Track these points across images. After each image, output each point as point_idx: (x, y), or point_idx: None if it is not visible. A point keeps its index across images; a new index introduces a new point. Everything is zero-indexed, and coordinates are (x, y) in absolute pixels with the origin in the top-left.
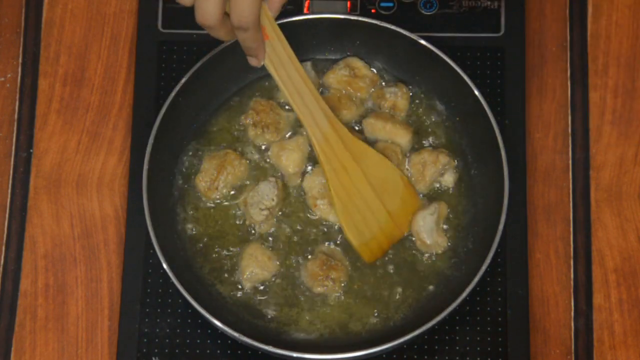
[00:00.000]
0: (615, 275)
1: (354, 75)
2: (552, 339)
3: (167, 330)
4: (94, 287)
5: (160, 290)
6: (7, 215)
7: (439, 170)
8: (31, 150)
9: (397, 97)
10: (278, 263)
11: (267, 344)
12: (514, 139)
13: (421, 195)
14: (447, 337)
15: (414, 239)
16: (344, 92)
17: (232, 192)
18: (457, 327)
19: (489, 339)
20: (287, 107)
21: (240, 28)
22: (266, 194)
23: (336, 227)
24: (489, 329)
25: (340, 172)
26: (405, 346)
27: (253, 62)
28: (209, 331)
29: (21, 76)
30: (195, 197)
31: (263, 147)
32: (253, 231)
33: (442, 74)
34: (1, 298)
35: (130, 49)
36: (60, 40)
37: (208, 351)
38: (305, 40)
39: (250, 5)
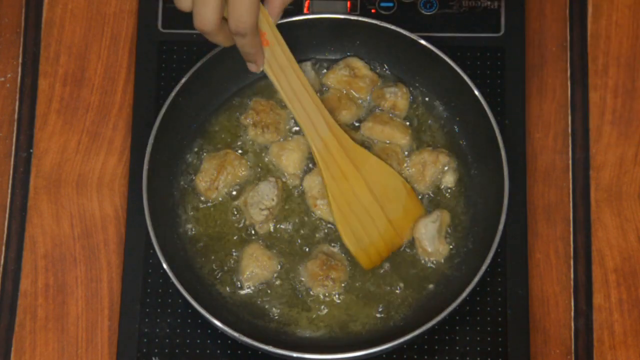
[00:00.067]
0: (615, 275)
1: (354, 75)
2: (552, 339)
3: (167, 330)
4: (94, 287)
5: (160, 290)
6: (7, 215)
7: (439, 170)
8: (31, 150)
9: (397, 97)
10: (278, 263)
11: (267, 344)
12: (514, 139)
13: (421, 196)
14: (447, 337)
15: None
16: (344, 92)
17: (232, 192)
18: (457, 327)
19: (489, 339)
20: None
21: (238, 34)
22: (266, 194)
23: (336, 227)
24: (489, 329)
25: (339, 178)
26: (405, 346)
27: (252, 67)
28: (209, 331)
29: (21, 76)
30: (195, 197)
31: (263, 147)
32: (253, 231)
33: (442, 74)
34: (1, 298)
35: (130, 49)
36: (60, 40)
37: (208, 351)
38: (305, 40)
39: (248, 11)
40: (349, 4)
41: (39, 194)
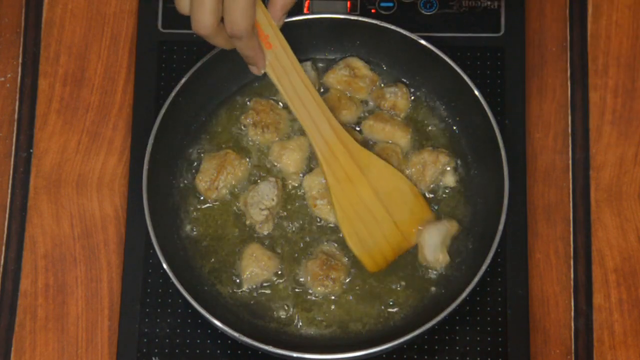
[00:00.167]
0: (615, 275)
1: (354, 75)
2: (552, 339)
3: (167, 330)
4: (94, 287)
5: (160, 290)
6: (7, 215)
7: (439, 170)
8: (31, 150)
9: (397, 97)
10: (278, 263)
11: (267, 344)
12: (514, 139)
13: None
14: (447, 337)
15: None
16: (344, 92)
17: (232, 192)
18: (457, 327)
19: (489, 339)
20: (287, 107)
21: (234, 36)
22: (266, 194)
23: (336, 227)
24: (489, 329)
25: (343, 181)
26: (405, 346)
27: (254, 70)
28: (209, 331)
29: (21, 76)
30: (195, 197)
31: (263, 147)
32: (253, 231)
33: (442, 74)
34: (1, 298)
35: (130, 49)
36: (60, 40)
37: (208, 351)
38: (305, 40)
39: (242, 14)
40: (349, 4)
41: (39, 194)
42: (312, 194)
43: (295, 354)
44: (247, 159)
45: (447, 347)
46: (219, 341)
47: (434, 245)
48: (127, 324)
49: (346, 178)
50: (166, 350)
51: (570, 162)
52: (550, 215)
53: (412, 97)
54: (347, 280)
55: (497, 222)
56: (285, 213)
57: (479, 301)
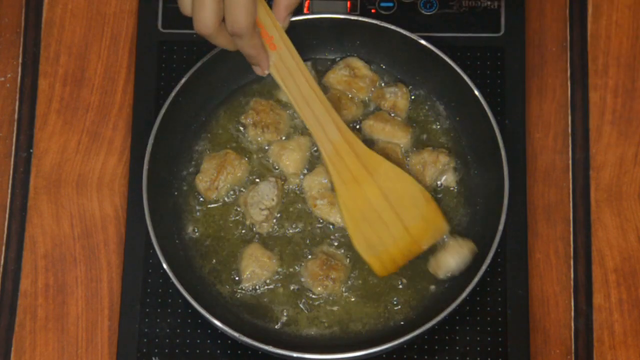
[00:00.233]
0: (615, 275)
1: (354, 75)
2: (552, 339)
3: (167, 330)
4: (94, 287)
5: (160, 290)
6: (7, 215)
7: (439, 170)
8: (31, 150)
9: (397, 97)
10: (278, 263)
11: (267, 344)
12: (514, 139)
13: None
14: (447, 337)
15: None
16: (344, 92)
17: (232, 192)
18: (457, 327)
19: (489, 339)
20: (287, 107)
21: (235, 34)
22: (266, 194)
23: (336, 227)
24: (489, 329)
25: (350, 184)
26: (405, 346)
27: (257, 71)
28: (209, 331)
29: (21, 76)
30: (195, 197)
31: (263, 147)
32: (253, 231)
33: (442, 74)
34: (1, 298)
35: (130, 49)
36: (60, 40)
37: (208, 351)
38: (305, 40)
39: (243, 12)
40: (349, 4)
41: (39, 194)
42: (312, 194)
43: (295, 354)
44: (247, 159)
45: (447, 347)
46: (219, 341)
47: (453, 269)
48: (127, 324)
49: (352, 179)
50: (166, 350)
51: (570, 162)
52: (550, 215)
53: (412, 97)
54: (347, 280)
55: (497, 222)
56: (285, 213)
57: (479, 301)
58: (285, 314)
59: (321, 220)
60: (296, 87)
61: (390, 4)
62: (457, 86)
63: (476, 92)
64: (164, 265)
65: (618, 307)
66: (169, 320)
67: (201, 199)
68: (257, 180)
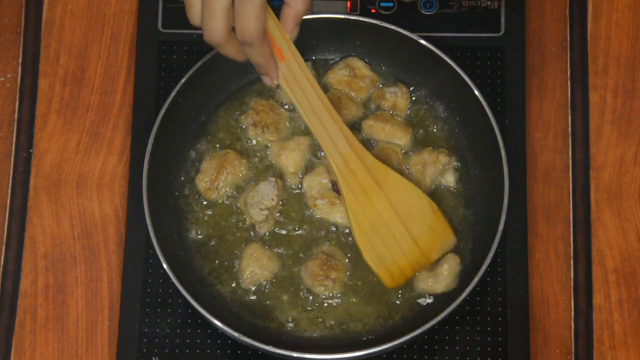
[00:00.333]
0: (615, 275)
1: (354, 75)
2: (552, 339)
3: (167, 330)
4: (94, 287)
5: (160, 290)
6: (7, 215)
7: (439, 170)
8: (31, 150)
9: (397, 97)
10: (278, 263)
11: (267, 344)
12: (514, 139)
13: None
14: (447, 337)
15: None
16: (344, 92)
17: (232, 192)
18: (457, 327)
19: (489, 339)
20: (287, 107)
21: (245, 43)
22: (266, 194)
23: (336, 227)
24: (489, 329)
25: (360, 196)
26: (405, 346)
27: (267, 81)
28: (209, 331)
29: (21, 76)
30: (195, 197)
31: (263, 147)
32: (253, 231)
33: (442, 74)
34: (1, 298)
35: (130, 49)
36: (60, 40)
37: (208, 351)
38: (305, 40)
39: (254, 19)
40: (349, 4)
41: (39, 194)
42: (312, 194)
43: (295, 354)
44: (247, 159)
45: (447, 347)
46: (219, 341)
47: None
48: (127, 324)
49: (362, 192)
50: (166, 350)
51: (570, 162)
52: (550, 215)
53: (412, 97)
54: (347, 280)
55: (497, 222)
56: (285, 213)
57: (479, 301)
58: (285, 314)
59: (321, 220)
60: (305, 99)
61: (390, 4)
62: (457, 86)
63: (476, 92)
64: (164, 265)
65: (618, 307)
66: (169, 320)
67: (201, 199)
68: (257, 180)
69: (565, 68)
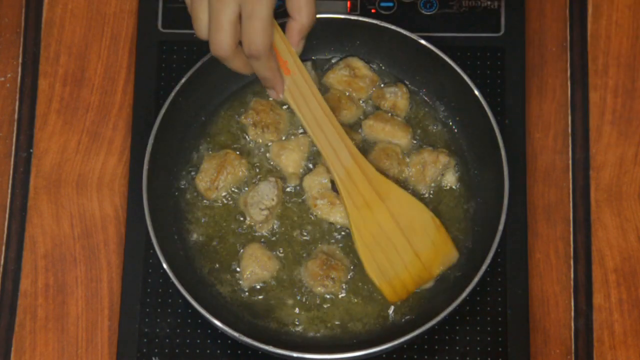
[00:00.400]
0: (615, 275)
1: (354, 75)
2: (552, 339)
3: (167, 330)
4: (94, 287)
5: (160, 290)
6: (7, 215)
7: (439, 170)
8: (31, 150)
9: (397, 97)
10: (278, 263)
11: (267, 344)
12: (514, 139)
13: (422, 196)
14: (447, 337)
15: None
16: (344, 92)
17: (232, 192)
18: (457, 327)
19: (489, 339)
20: (286, 107)
21: (252, 56)
22: (266, 194)
23: (336, 227)
24: (489, 329)
25: (363, 209)
26: (405, 346)
27: (272, 94)
28: (209, 331)
29: (21, 76)
30: (195, 197)
31: (263, 147)
32: (253, 231)
33: (442, 73)
34: (1, 298)
35: (130, 49)
36: (60, 40)
37: (208, 351)
38: (306, 40)
39: (261, 34)
40: (349, 4)
41: (39, 194)
42: (312, 194)
43: (295, 354)
44: (247, 159)
45: (447, 347)
46: (219, 341)
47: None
48: (127, 324)
49: (365, 205)
50: (166, 350)
51: (570, 162)
52: (550, 215)
53: (412, 97)
54: (347, 280)
55: (497, 222)
56: (285, 213)
57: (479, 301)
58: (285, 313)
59: (321, 220)
60: (309, 112)
61: (390, 4)
62: (457, 86)
63: (476, 92)
64: (164, 265)
65: (618, 307)
66: (169, 320)
67: (201, 199)
68: (257, 180)
69: (565, 68)
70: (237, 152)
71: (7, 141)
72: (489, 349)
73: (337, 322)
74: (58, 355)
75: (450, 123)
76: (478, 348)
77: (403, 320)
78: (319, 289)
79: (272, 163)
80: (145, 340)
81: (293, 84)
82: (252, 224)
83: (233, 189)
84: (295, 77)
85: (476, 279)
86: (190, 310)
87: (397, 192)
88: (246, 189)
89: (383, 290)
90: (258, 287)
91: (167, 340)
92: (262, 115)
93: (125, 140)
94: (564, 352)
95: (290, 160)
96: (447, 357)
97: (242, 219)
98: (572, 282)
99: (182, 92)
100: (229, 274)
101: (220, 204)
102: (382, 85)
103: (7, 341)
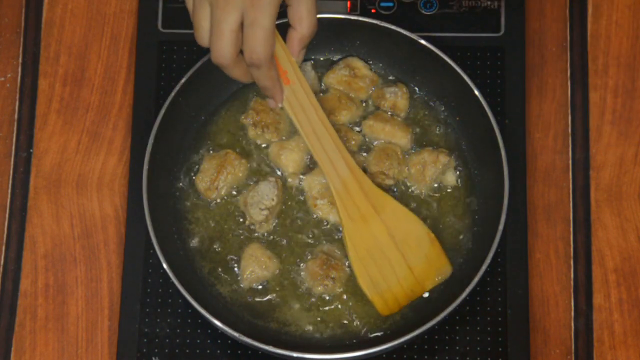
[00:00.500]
0: (615, 275)
1: (354, 75)
2: (552, 339)
3: (167, 330)
4: (94, 287)
5: (160, 290)
6: (7, 215)
7: (439, 170)
8: (31, 150)
9: (397, 97)
10: (278, 263)
11: (267, 344)
12: (514, 139)
13: (421, 196)
14: (447, 337)
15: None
16: (344, 92)
17: (232, 192)
18: (457, 327)
19: (489, 339)
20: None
21: (252, 65)
22: (266, 194)
23: (336, 227)
24: (489, 329)
25: (358, 221)
26: (405, 346)
27: (271, 103)
28: (209, 331)
29: (21, 76)
30: (195, 197)
31: (263, 147)
32: (253, 231)
33: (442, 73)
34: (1, 298)
35: (130, 49)
36: (60, 40)
37: (208, 351)
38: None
39: (263, 43)
40: (349, 4)
41: (39, 194)
42: (312, 194)
43: (295, 354)
44: (247, 159)
45: (447, 347)
46: (219, 341)
47: None
48: (127, 324)
49: (360, 217)
50: (166, 350)
51: (570, 162)
52: (550, 215)
53: (412, 97)
54: (347, 280)
55: (497, 222)
56: (285, 213)
57: (479, 301)
58: (285, 313)
59: (321, 220)
60: (308, 122)
61: (390, 4)
62: (457, 86)
63: (476, 92)
64: (164, 265)
65: (618, 307)
66: (169, 320)
67: (201, 199)
68: (257, 180)
69: (565, 68)
70: (237, 152)
71: (7, 141)
72: (489, 349)
73: (337, 322)
74: (58, 355)
75: (450, 123)
76: (478, 348)
77: (403, 320)
78: (319, 288)
79: (272, 163)
80: (145, 340)
81: (292, 93)
82: (252, 224)
83: (233, 189)
84: (294, 86)
85: (476, 279)
86: (190, 310)
87: (393, 205)
88: (246, 189)
89: (375, 303)
90: (258, 287)
91: (167, 340)
92: (262, 115)
93: (125, 140)
94: (564, 352)
95: (290, 160)
96: (447, 357)
97: (242, 219)
98: (572, 282)
99: (182, 92)
100: (229, 274)
101: (220, 204)
102: (382, 85)
103: (7, 341)
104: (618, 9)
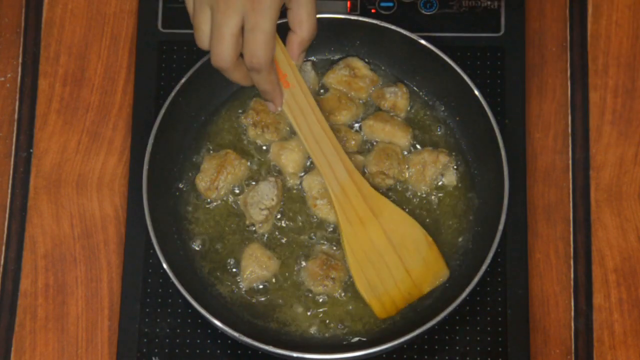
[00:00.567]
0: (615, 275)
1: (354, 75)
2: (552, 339)
3: (167, 330)
4: (94, 287)
5: (160, 290)
6: (7, 215)
7: (439, 170)
8: (31, 150)
9: (397, 97)
10: (278, 263)
11: (267, 344)
12: (514, 139)
13: (421, 196)
14: (447, 337)
15: None
16: (344, 92)
17: (232, 192)
18: (457, 327)
19: (489, 339)
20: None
21: (253, 69)
22: (266, 193)
23: (336, 227)
24: (489, 329)
25: (356, 224)
26: (405, 346)
27: (270, 107)
28: (209, 331)
29: (21, 76)
30: (195, 197)
31: (263, 147)
32: (253, 231)
33: (442, 73)
34: (1, 298)
35: (130, 49)
36: (60, 40)
37: (208, 351)
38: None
39: (263, 47)
40: (349, 4)
41: (39, 194)
42: (312, 194)
43: (295, 354)
44: (247, 159)
45: (447, 347)
46: (219, 341)
47: None
48: (127, 324)
49: (358, 221)
50: (166, 350)
51: (570, 162)
52: (550, 215)
53: (412, 97)
54: (347, 280)
55: (497, 222)
56: (285, 213)
57: (479, 301)
58: (285, 313)
59: (321, 220)
60: (307, 126)
61: (390, 4)
62: (457, 86)
63: (476, 92)
64: (164, 265)
65: (618, 307)
66: (169, 320)
67: (201, 198)
68: (257, 180)
69: (565, 68)
70: (237, 152)
71: (7, 141)
72: (489, 349)
73: (337, 322)
74: (58, 355)
75: (450, 123)
76: (478, 348)
77: (403, 320)
78: (319, 288)
79: (272, 163)
80: (145, 340)
81: (291, 97)
82: (252, 223)
83: (233, 189)
84: (294, 90)
85: (476, 279)
86: (190, 310)
87: (391, 209)
88: (246, 189)
89: (372, 306)
90: (258, 287)
91: (167, 340)
92: (262, 115)
93: (125, 140)
94: (564, 352)
95: (290, 160)
96: (447, 357)
97: (242, 219)
98: (572, 282)
99: (182, 92)
100: (229, 274)
101: (220, 204)
102: (382, 85)
103: (7, 341)
104: (618, 9)
